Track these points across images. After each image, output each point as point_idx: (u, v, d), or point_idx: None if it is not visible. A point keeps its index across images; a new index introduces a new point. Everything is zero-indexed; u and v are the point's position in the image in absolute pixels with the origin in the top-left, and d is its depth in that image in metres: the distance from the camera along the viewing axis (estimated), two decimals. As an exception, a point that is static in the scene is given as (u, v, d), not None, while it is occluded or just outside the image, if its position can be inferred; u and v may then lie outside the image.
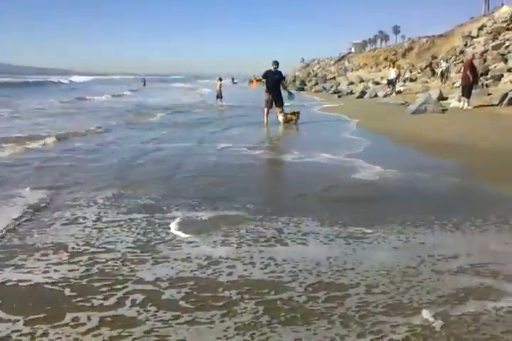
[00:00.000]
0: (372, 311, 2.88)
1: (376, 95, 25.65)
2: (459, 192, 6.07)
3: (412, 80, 34.17)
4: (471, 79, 15.50)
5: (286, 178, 7.27)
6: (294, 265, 3.56)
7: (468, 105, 15.30)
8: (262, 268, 3.50)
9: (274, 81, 13.40)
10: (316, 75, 73.47)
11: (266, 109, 13.53)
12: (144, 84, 58.75)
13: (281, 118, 13.50)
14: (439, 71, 27.00)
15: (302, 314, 2.86)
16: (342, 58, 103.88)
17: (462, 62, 21.57)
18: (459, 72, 16.50)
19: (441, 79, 26.29)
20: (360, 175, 6.74)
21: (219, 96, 24.22)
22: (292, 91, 16.10)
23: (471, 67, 15.83)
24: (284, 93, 13.92)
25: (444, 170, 7.07)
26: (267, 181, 7.18)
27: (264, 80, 13.55)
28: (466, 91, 15.54)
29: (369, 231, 4.28)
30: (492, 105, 15.14)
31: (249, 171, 7.23)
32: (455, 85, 21.93)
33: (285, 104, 14.03)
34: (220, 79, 24.95)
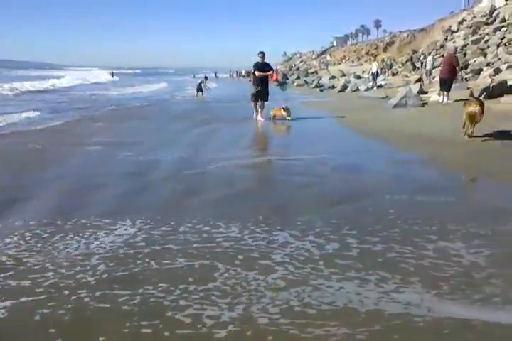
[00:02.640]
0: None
1: (357, 89, 25.69)
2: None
3: (393, 74, 34.34)
4: (453, 72, 15.60)
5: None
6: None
7: (448, 99, 15.37)
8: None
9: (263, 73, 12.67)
10: (298, 69, 73.50)
11: (254, 103, 12.95)
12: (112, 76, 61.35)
13: (272, 113, 12.98)
14: (424, 67, 26.57)
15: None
16: (324, 52, 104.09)
17: (443, 56, 21.62)
18: (439, 66, 16.54)
19: (427, 76, 25.74)
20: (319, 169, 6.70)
21: (199, 89, 24.91)
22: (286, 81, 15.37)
23: (453, 60, 15.88)
24: (271, 85, 13.51)
25: (416, 162, 7.07)
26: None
27: (256, 74, 12.66)
28: (447, 86, 15.61)
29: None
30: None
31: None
32: (435, 80, 22.05)
33: (273, 96, 13.66)
34: (206, 78, 26.68)
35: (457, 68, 16.12)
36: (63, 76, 52.81)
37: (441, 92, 15.80)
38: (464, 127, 8.88)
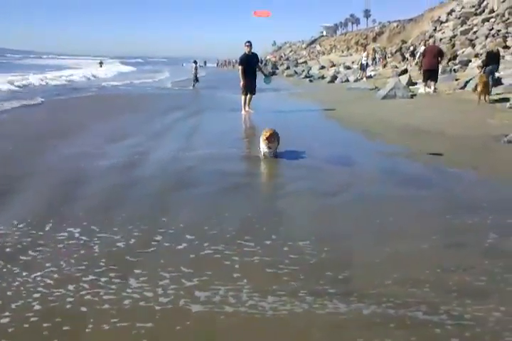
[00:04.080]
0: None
1: (347, 80, 25.72)
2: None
3: (384, 66, 34.33)
4: (438, 63, 15.86)
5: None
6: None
7: (435, 89, 15.50)
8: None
9: (251, 65, 12.43)
10: (287, 59, 73.21)
11: (244, 97, 12.69)
12: (101, 65, 57.76)
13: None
14: (418, 57, 26.36)
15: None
16: (314, 42, 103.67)
17: (425, 44, 21.62)
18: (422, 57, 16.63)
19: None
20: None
21: (195, 79, 24.33)
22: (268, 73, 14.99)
23: (438, 52, 16.00)
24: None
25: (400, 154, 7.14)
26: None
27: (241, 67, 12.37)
28: (434, 76, 15.76)
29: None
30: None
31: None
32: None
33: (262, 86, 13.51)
34: (195, 62, 25.33)
35: (440, 59, 16.35)
36: (79, 66, 53.11)
37: (428, 83, 15.91)
38: (479, 97, 12.34)
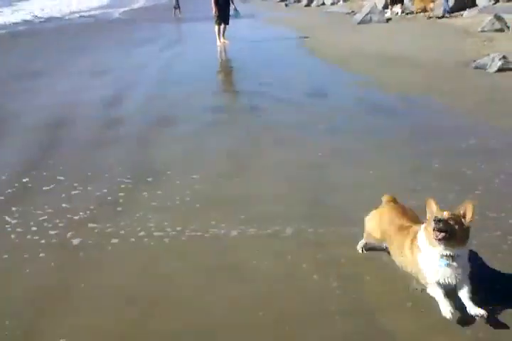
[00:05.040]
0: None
1: (323, 3, 24.94)
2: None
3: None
4: None
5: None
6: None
7: (403, 12, 15.60)
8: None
9: None
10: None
11: (217, 27, 12.42)
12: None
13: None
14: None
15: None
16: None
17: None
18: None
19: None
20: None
21: (176, 6, 22.30)
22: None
23: None
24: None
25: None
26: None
27: None
28: None
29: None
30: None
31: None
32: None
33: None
34: None
35: None
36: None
37: (394, 5, 15.97)
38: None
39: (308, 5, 25.68)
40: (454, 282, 2.23)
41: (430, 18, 13.54)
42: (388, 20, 15.20)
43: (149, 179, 4.17)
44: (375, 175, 4.08)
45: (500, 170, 4.01)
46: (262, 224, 3.29)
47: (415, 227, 2.43)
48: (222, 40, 12.49)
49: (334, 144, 4.90)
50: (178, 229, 3.28)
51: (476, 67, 8.05)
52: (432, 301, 2.27)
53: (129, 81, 8.42)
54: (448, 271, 2.22)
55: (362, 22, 15.00)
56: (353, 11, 18.28)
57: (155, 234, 3.23)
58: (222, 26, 12.47)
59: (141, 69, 9.57)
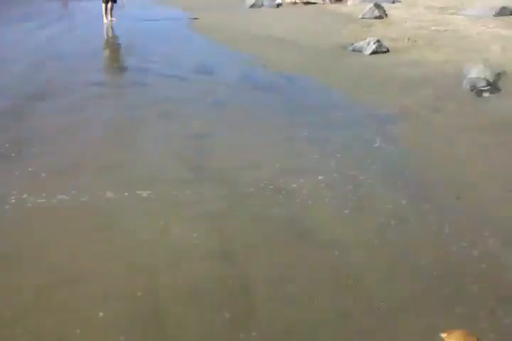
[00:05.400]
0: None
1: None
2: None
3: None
4: None
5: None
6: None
7: None
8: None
9: None
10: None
11: (104, 5, 11.96)
12: None
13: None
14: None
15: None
16: None
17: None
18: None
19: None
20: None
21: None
22: None
23: None
24: None
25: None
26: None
27: None
28: None
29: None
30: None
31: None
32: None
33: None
34: None
35: None
36: None
37: None
38: None
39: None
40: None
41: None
42: (279, 5, 15.59)
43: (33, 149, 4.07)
44: (253, 142, 4.41)
45: (356, 137, 4.60)
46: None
47: None
48: (109, 17, 12.06)
49: (218, 116, 5.10)
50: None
51: (354, 50, 8.64)
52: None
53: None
54: None
55: (253, 6, 15.21)
56: (245, -5, 18.40)
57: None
58: (109, 5, 12.03)
59: (16, 47, 8.93)
